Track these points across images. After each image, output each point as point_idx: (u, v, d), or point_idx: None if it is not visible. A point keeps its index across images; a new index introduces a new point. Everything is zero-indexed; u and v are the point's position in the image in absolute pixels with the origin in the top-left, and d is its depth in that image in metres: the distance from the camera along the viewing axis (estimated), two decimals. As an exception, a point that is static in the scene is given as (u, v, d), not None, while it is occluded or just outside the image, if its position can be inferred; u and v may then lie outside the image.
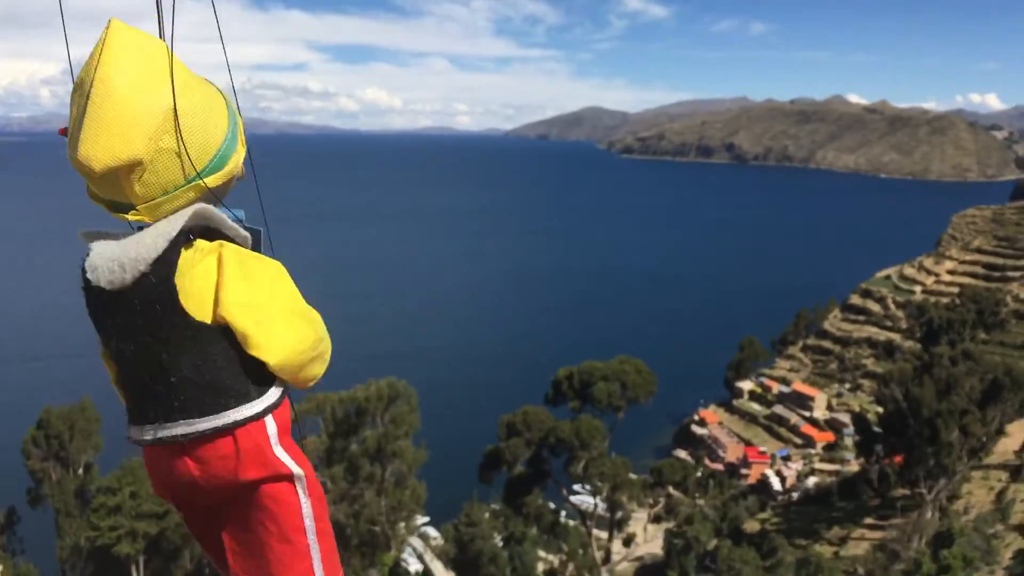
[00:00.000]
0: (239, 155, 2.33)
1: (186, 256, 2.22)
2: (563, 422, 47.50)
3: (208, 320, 2.24)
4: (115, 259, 2.17)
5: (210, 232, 2.29)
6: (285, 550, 2.43)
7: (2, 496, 44.42)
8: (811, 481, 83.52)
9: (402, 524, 40.23)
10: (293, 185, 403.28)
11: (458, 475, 56.73)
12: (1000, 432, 47.09)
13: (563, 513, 54.88)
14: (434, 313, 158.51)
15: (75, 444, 41.65)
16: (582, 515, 54.38)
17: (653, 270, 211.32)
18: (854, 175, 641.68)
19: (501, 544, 45.97)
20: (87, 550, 38.94)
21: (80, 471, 42.07)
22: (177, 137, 2.18)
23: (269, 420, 2.34)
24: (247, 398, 2.31)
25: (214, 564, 2.68)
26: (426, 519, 55.96)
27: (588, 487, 53.29)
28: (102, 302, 2.24)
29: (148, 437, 2.29)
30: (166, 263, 2.19)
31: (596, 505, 53.96)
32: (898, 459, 47.67)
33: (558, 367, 53.54)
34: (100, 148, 2.07)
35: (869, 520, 49.55)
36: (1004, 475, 48.79)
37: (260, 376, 2.33)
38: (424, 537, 56.85)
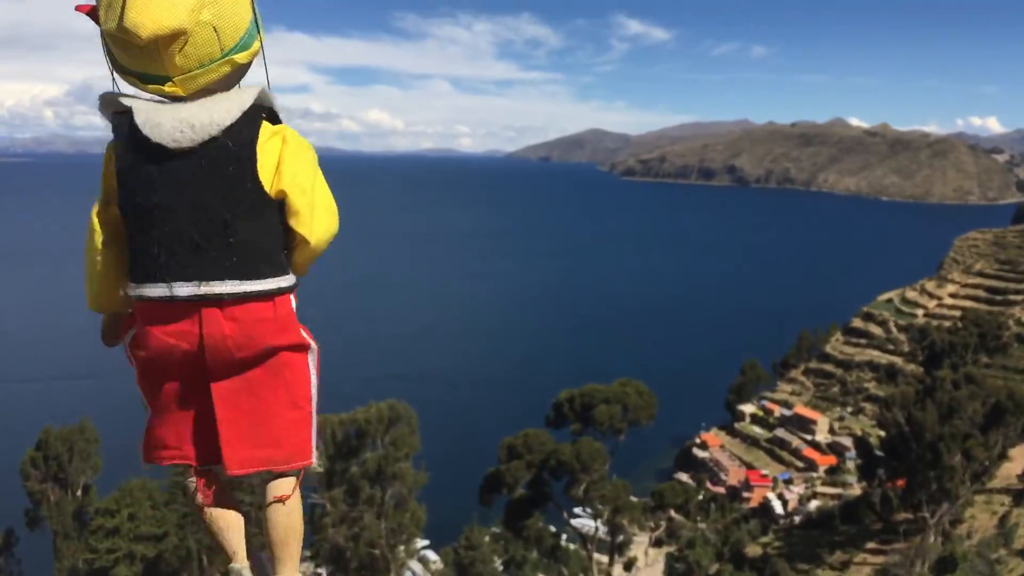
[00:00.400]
0: (260, 38, 2.53)
1: (263, 131, 2.47)
2: (564, 445, 47.30)
3: (271, 194, 2.48)
4: (184, 120, 2.35)
5: (270, 114, 2.54)
6: (293, 416, 2.68)
7: (0, 518, 44.27)
8: (813, 505, 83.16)
9: (402, 547, 39.99)
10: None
11: (458, 498, 56.44)
12: (1003, 456, 46.88)
13: (564, 536, 54.58)
14: (435, 335, 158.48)
15: (74, 465, 41.55)
16: (583, 539, 54.05)
17: (655, 292, 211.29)
18: (855, 198, 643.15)
19: (501, 568, 45.74)
20: (84, 572, 38.70)
21: (79, 493, 41.95)
22: (253, 8, 2.46)
23: (293, 297, 2.63)
24: (284, 271, 2.57)
25: (162, 450, 2.74)
26: (426, 542, 55.69)
27: (589, 510, 53.01)
28: (154, 157, 2.39)
29: (184, 293, 2.44)
30: (244, 131, 2.43)
31: (597, 528, 53.66)
32: (900, 483, 47.45)
33: (559, 389, 53.39)
34: (148, 17, 2.20)
35: (871, 544, 49.26)
36: (1007, 499, 48.56)
37: (288, 256, 2.61)
38: (424, 561, 56.56)
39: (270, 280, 2.51)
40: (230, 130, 2.38)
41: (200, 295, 2.43)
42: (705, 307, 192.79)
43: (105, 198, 2.52)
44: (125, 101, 2.38)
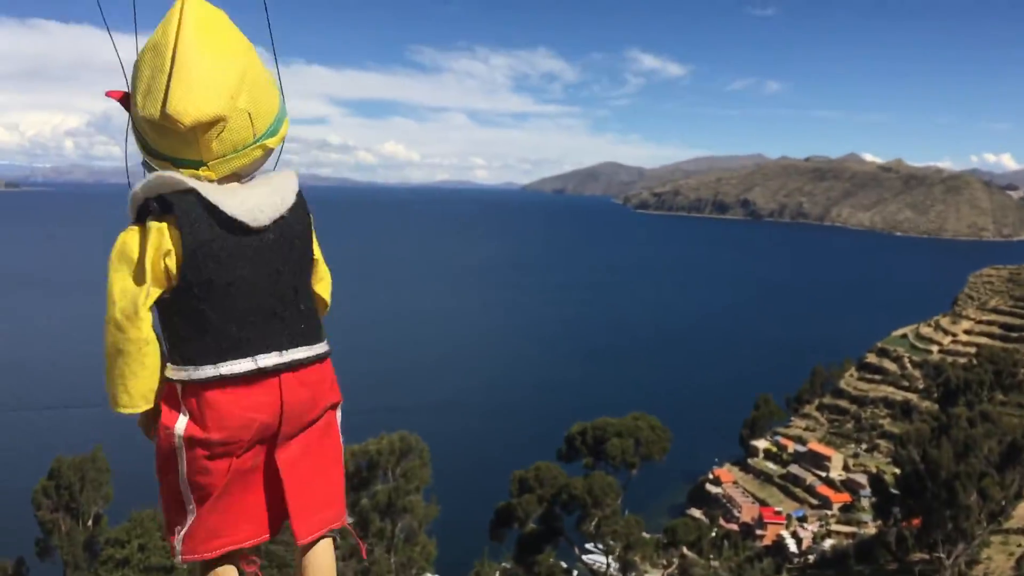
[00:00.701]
0: (287, 124, 2.63)
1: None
2: (576, 479, 47.01)
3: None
4: (257, 201, 2.46)
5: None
6: (337, 472, 2.80)
7: (11, 547, 44.19)
8: (827, 543, 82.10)
9: (411, 582, 39.72)
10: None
11: (469, 532, 56.06)
12: (1020, 496, 46.31)
13: (575, 573, 54.12)
14: (447, 366, 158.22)
15: (85, 495, 41.44)
16: (594, 575, 53.60)
17: (668, 326, 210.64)
18: (869, 233, 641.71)
19: (511, 603, 45.26)
20: (94, 603, 38.57)
21: (90, 522, 41.86)
22: (279, 89, 2.57)
23: None
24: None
25: (213, 540, 2.57)
26: (436, 577, 55.26)
27: (601, 546, 52.56)
28: (234, 235, 2.43)
29: (270, 363, 2.48)
30: (301, 211, 2.60)
31: (609, 565, 53.16)
32: (916, 522, 46.87)
33: (571, 422, 53.15)
34: (191, 104, 2.27)
35: (887, 585, 48.61)
36: (1023, 540, 47.92)
37: None
38: (433, 595, 56.05)
39: (324, 343, 2.67)
40: (292, 209, 2.54)
41: (284, 363, 2.50)
42: (718, 341, 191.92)
43: (151, 281, 2.36)
44: (189, 181, 2.36)
